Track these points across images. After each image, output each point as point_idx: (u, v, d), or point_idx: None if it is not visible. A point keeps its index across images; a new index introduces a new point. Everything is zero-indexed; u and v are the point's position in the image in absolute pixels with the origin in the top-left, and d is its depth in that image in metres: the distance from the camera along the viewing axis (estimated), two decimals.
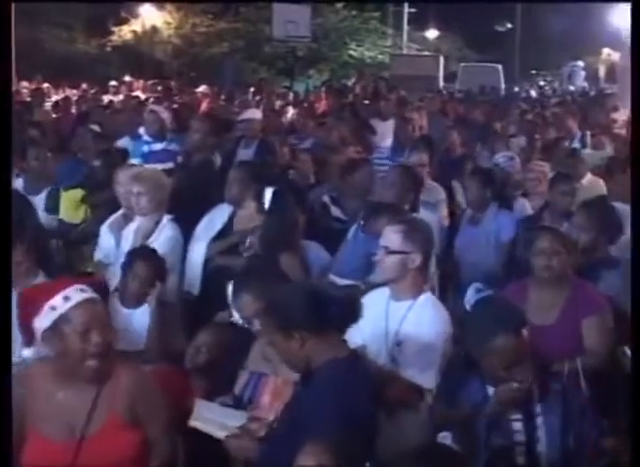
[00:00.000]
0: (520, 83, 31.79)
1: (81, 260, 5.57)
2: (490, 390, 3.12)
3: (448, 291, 5.34)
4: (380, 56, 31.98)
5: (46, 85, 17.31)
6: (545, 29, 32.99)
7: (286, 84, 22.64)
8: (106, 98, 15.61)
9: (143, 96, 15.82)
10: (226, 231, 5.17)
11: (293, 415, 2.91)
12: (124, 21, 28.59)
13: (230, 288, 3.69)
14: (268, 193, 4.66)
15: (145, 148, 7.10)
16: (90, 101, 14.42)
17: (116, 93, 16.93)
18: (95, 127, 8.23)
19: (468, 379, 3.23)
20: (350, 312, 2.92)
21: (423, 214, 5.18)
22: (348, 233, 5.12)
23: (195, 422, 3.22)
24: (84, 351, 2.83)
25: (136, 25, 28.72)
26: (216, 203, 5.36)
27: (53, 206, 6.36)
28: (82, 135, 7.83)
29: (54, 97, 15.68)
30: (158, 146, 7.05)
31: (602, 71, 31.74)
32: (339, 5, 30.75)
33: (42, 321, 2.86)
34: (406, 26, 35.41)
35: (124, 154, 6.95)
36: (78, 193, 6.32)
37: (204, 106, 14.13)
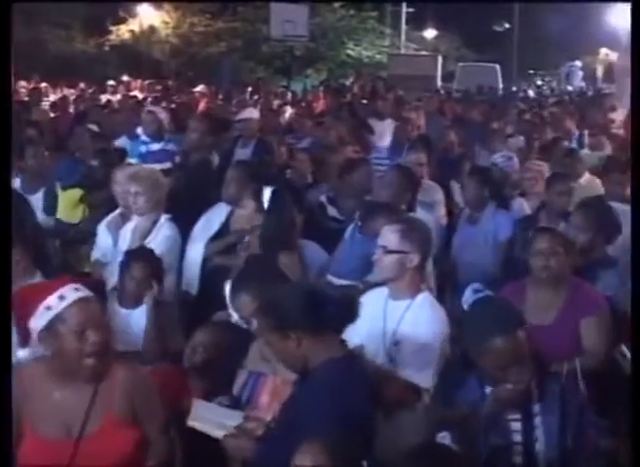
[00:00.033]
0: (518, 82, 31.77)
1: (78, 259, 5.57)
2: (488, 390, 3.12)
3: (446, 291, 5.34)
4: (378, 56, 31.98)
5: (43, 84, 17.32)
6: (542, 29, 32.99)
7: (283, 83, 22.63)
8: (104, 98, 15.62)
9: (141, 96, 15.84)
10: (223, 230, 5.17)
11: (290, 415, 2.91)
12: (122, 21, 28.57)
13: (227, 288, 3.69)
14: (267, 192, 4.66)
15: (143, 148, 7.10)
16: (88, 101, 14.43)
17: (114, 93, 16.95)
18: (93, 127, 8.23)
19: (465, 379, 3.23)
20: (347, 312, 2.92)
21: (420, 214, 5.18)
22: (345, 234, 5.12)
23: (192, 422, 3.22)
24: (80, 350, 2.83)
25: (134, 25, 28.71)
26: (214, 203, 5.36)
27: (50, 206, 6.35)
28: (79, 135, 7.83)
29: (52, 97, 15.69)
30: (155, 146, 7.05)
31: (600, 71, 31.72)
32: (337, 4, 30.73)
33: (37, 321, 2.86)
34: (403, 26, 35.40)
35: (122, 153, 6.96)
36: (76, 192, 6.31)
37: (202, 106, 14.13)
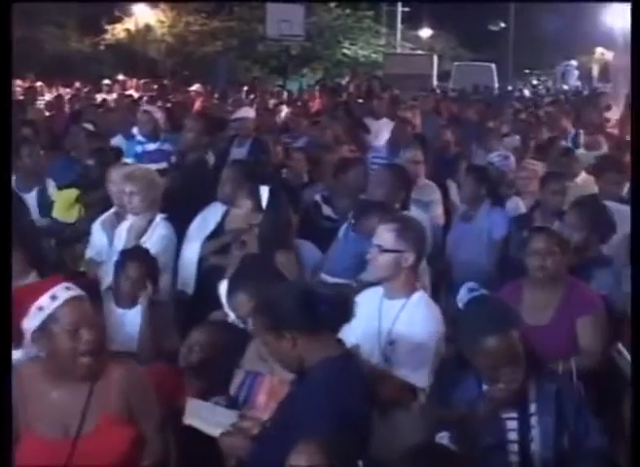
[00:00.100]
0: (514, 82, 31.82)
1: (74, 259, 5.56)
2: (485, 388, 3.12)
3: (441, 289, 5.35)
4: (374, 55, 32.03)
5: (39, 83, 17.31)
6: (538, 29, 33.02)
7: (279, 82, 22.63)
8: (99, 97, 15.61)
9: (136, 95, 15.81)
10: (219, 230, 5.17)
11: (286, 414, 2.91)
12: (118, 20, 28.57)
13: (221, 287, 3.68)
14: (265, 191, 4.65)
15: (139, 148, 7.10)
16: (84, 100, 14.40)
17: (109, 92, 16.94)
18: (89, 126, 8.21)
19: (462, 378, 3.23)
20: (342, 312, 2.91)
21: (414, 212, 5.17)
22: (339, 232, 5.12)
23: (189, 420, 3.22)
24: (74, 350, 2.83)
25: (130, 24, 28.71)
26: (209, 202, 5.36)
27: (44, 207, 6.34)
28: (75, 134, 7.82)
29: (47, 96, 15.66)
30: (151, 146, 7.04)
31: (595, 70, 31.76)
32: (333, 4, 30.78)
33: (30, 322, 2.86)
34: (399, 25, 35.44)
35: (118, 152, 6.95)
36: (72, 192, 6.30)
37: (198, 105, 14.12)
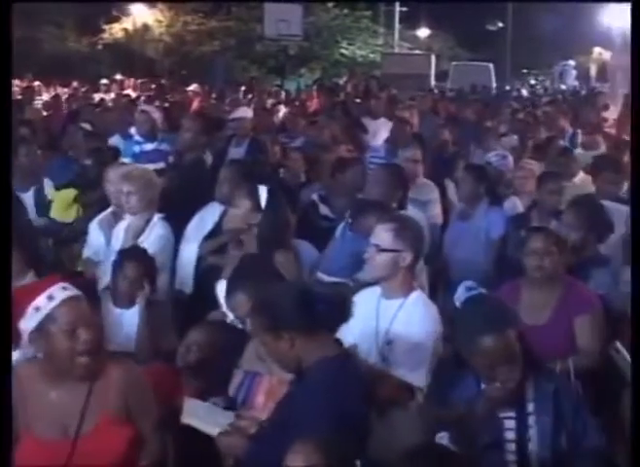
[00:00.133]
0: (512, 82, 31.81)
1: (71, 258, 5.56)
2: (483, 387, 3.12)
3: (438, 289, 5.35)
4: (372, 55, 32.02)
5: (37, 83, 17.29)
6: (536, 28, 33.03)
7: (277, 82, 22.62)
8: (97, 97, 15.62)
9: (134, 95, 15.82)
10: (217, 229, 5.16)
11: (284, 414, 2.91)
12: (116, 20, 28.57)
13: (218, 287, 3.68)
14: (264, 191, 4.65)
15: (136, 148, 7.09)
16: (81, 99, 14.40)
17: (107, 92, 16.95)
18: (86, 126, 8.20)
19: (460, 378, 3.23)
20: (340, 312, 2.91)
21: (412, 212, 5.17)
22: (336, 232, 5.12)
23: (186, 419, 3.22)
24: (72, 349, 2.83)
25: (127, 24, 28.71)
26: (207, 202, 5.36)
27: (41, 206, 6.33)
28: (72, 133, 7.81)
29: (45, 95, 15.65)
30: (149, 146, 7.03)
31: (593, 70, 31.83)
32: (331, 4, 30.77)
33: (27, 323, 2.86)
34: (397, 25, 35.42)
35: (116, 152, 6.94)
36: (70, 192, 6.29)
37: (195, 105, 14.12)
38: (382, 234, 3.76)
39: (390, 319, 3.66)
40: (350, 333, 3.25)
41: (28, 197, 6.24)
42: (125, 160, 6.80)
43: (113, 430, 2.91)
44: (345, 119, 9.35)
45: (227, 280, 3.69)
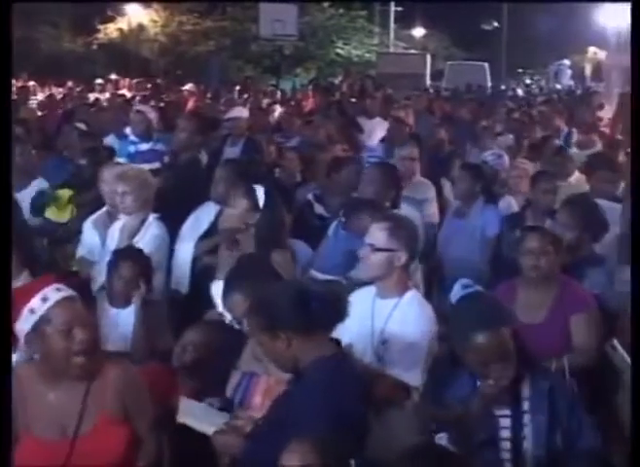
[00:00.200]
0: (507, 81, 31.85)
1: (66, 258, 5.55)
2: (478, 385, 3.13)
3: (433, 288, 5.35)
4: (367, 55, 32.05)
5: (31, 83, 17.24)
6: (531, 28, 33.08)
7: (273, 82, 22.62)
8: (92, 96, 15.59)
9: (129, 94, 15.80)
10: (213, 229, 5.16)
11: (280, 413, 2.91)
12: (111, 20, 28.56)
13: (214, 288, 3.67)
14: (261, 191, 4.65)
15: (132, 148, 7.08)
16: (76, 99, 14.38)
17: (102, 91, 16.92)
18: (81, 126, 8.19)
19: (455, 377, 3.23)
20: (336, 311, 2.92)
21: (406, 210, 5.17)
22: (329, 230, 5.12)
23: (182, 418, 3.22)
24: (68, 349, 2.83)
25: (122, 23, 28.70)
26: (203, 202, 5.35)
27: (39, 208, 6.31)
28: (67, 133, 7.80)
29: (40, 95, 15.63)
30: (144, 146, 7.03)
31: (588, 70, 31.82)
32: (326, 3, 30.79)
33: (23, 325, 2.86)
34: (392, 25, 35.48)
35: (111, 152, 6.93)
36: (65, 192, 6.28)
37: (190, 104, 14.11)
38: (377, 234, 3.76)
39: (385, 319, 3.66)
40: (346, 332, 3.25)
41: (21, 197, 6.22)
42: (121, 159, 6.79)
43: (111, 430, 2.92)
44: (341, 118, 9.36)
45: (223, 280, 3.68)
